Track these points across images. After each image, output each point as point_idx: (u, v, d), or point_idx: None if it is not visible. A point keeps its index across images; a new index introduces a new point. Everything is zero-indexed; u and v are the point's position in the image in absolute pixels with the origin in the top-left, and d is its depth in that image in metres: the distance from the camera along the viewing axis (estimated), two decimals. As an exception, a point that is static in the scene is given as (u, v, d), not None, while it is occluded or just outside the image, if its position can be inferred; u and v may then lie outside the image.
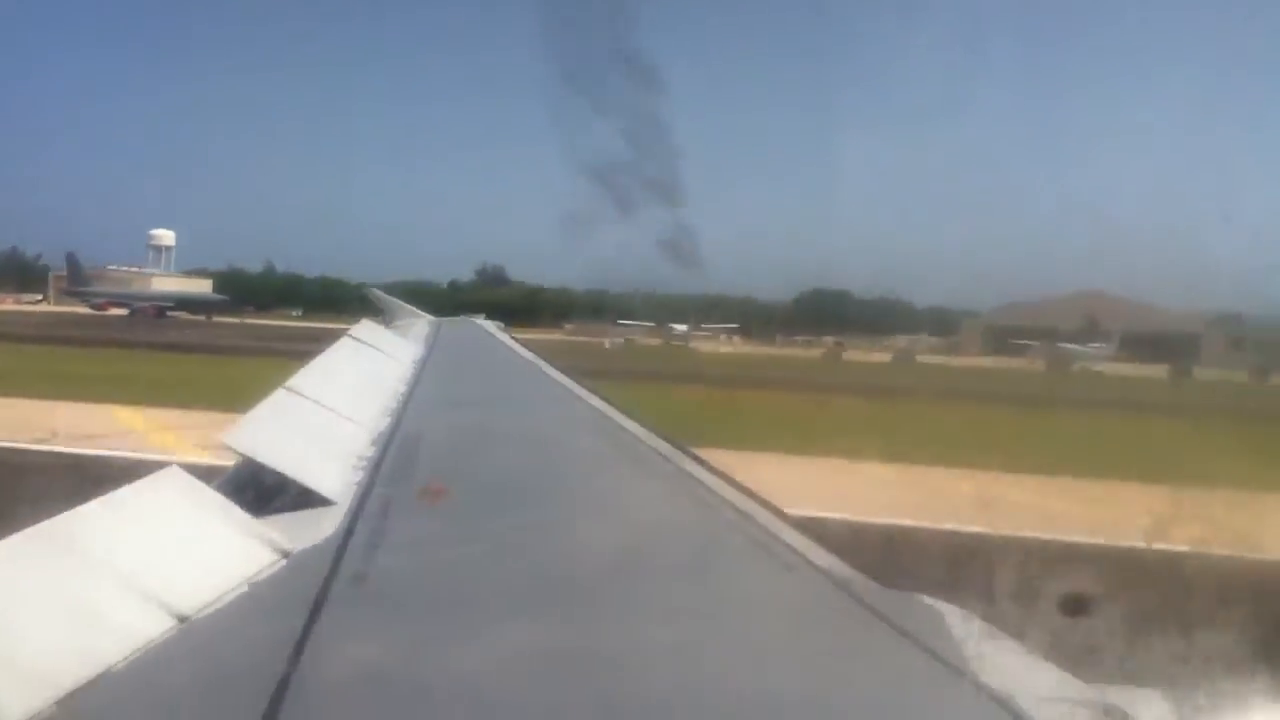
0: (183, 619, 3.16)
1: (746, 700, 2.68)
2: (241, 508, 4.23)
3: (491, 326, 27.77)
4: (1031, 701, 2.53)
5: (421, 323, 25.26)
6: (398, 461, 6.43)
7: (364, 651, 2.94)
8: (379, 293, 30.25)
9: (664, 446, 7.10)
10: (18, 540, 2.96)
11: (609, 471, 6.50)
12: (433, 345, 18.75)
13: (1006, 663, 2.82)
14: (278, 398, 6.67)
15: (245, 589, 3.56)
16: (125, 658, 2.81)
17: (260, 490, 5.21)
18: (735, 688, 2.76)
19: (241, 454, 5.11)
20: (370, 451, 6.78)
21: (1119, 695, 2.68)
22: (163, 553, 3.49)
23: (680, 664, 2.95)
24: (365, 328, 14.10)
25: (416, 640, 3.06)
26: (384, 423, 8.16)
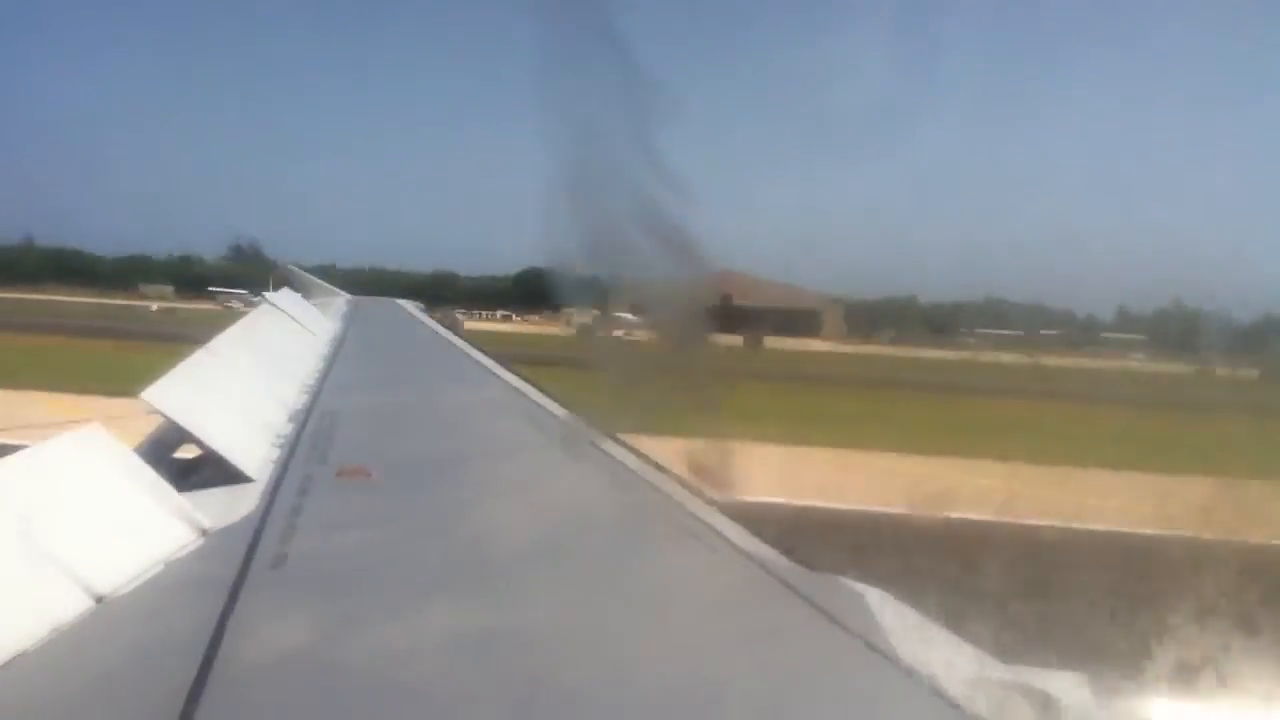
0: (100, 599, 3.01)
1: (667, 680, 2.70)
2: (161, 474, 4.08)
3: (410, 306, 27.36)
4: (952, 682, 2.59)
5: (339, 300, 24.70)
6: (316, 439, 6.28)
7: (283, 635, 2.88)
8: (295, 269, 29.37)
9: (583, 429, 7.13)
10: None
11: (527, 451, 6.48)
12: (349, 322, 18.35)
13: (927, 644, 2.89)
14: (198, 358, 6.41)
15: (162, 568, 3.42)
16: (41, 639, 2.67)
17: (179, 458, 5.01)
18: (656, 667, 2.78)
19: (162, 414, 4.90)
20: (288, 428, 6.60)
21: (1038, 677, 2.75)
22: (82, 519, 3.31)
23: (599, 645, 2.95)
24: (284, 296, 13.70)
25: (334, 623, 3.01)
26: (302, 399, 7.96)
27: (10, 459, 3.29)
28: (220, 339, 7.57)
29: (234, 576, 3.37)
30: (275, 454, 5.67)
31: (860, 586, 3.40)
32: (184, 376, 5.69)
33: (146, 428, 5.50)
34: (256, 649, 2.78)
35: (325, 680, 2.64)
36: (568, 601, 3.40)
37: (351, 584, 3.52)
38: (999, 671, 2.77)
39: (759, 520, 4.48)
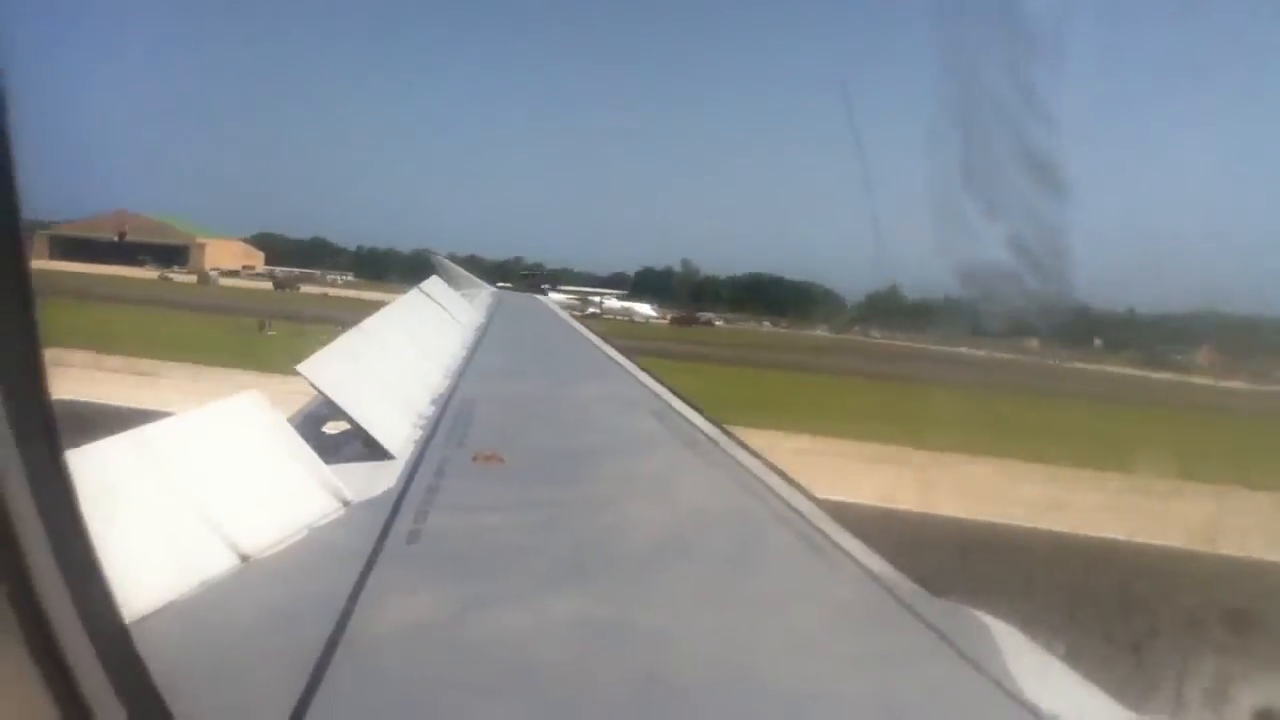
0: (246, 558, 3.15)
1: (776, 692, 2.65)
2: (311, 443, 4.25)
3: (551, 301, 28.00)
4: None
5: (484, 291, 25.50)
6: (455, 423, 6.46)
7: (413, 607, 2.95)
8: (444, 259, 30.47)
9: (715, 431, 7.16)
10: (102, 447, 2.95)
11: (660, 451, 6.47)
12: (493, 313, 18.89)
13: (1055, 684, 2.74)
14: (351, 338, 6.68)
15: (305, 534, 3.55)
16: (190, 592, 2.81)
17: (328, 431, 5.23)
18: (766, 679, 2.72)
19: (315, 386, 5.12)
20: (430, 410, 6.81)
21: None
22: (235, 482, 3.47)
23: (714, 650, 2.91)
24: (435, 284, 14.19)
25: (462, 600, 3.06)
26: (445, 384, 8.20)
27: (173, 420, 3.49)
28: (372, 321, 7.89)
29: (371, 548, 3.48)
30: (417, 435, 5.85)
31: (986, 618, 3.21)
32: (338, 354, 5.93)
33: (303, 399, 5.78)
34: (387, 619, 2.85)
35: (449, 654, 2.68)
36: (689, 603, 3.36)
37: (481, 565, 3.57)
38: (1116, 712, 2.58)
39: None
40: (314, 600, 2.92)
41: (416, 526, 3.90)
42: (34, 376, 1.36)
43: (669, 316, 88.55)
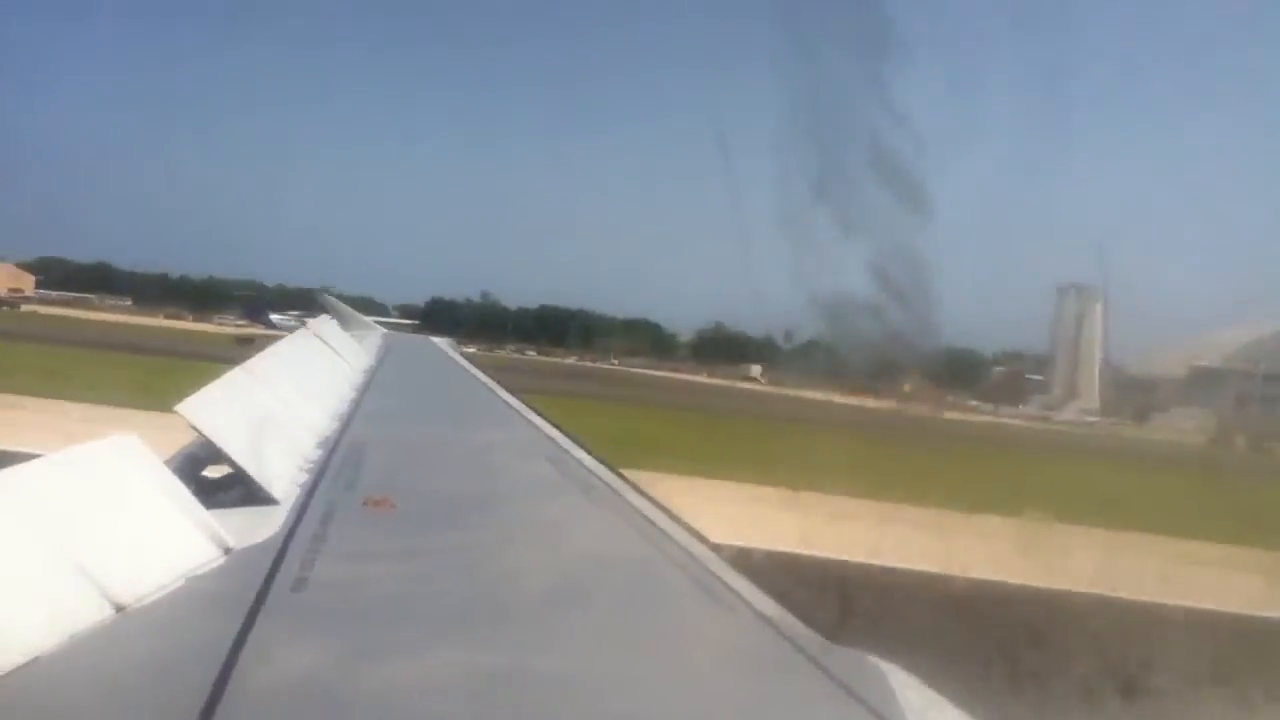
0: (120, 608, 2.98)
1: None
2: (189, 488, 4.08)
3: (444, 344, 27.61)
4: None
5: (374, 333, 24.97)
6: (344, 468, 6.28)
7: (298, 658, 2.85)
8: (333, 299, 29.80)
9: (606, 474, 7.14)
10: None
11: (551, 495, 6.42)
12: (384, 354, 18.50)
13: None
14: (234, 377, 6.45)
15: (184, 583, 3.39)
16: (60, 643, 2.65)
17: (208, 474, 5.01)
18: None
19: (195, 427, 4.91)
20: (317, 454, 6.60)
21: None
22: (109, 527, 3.30)
23: (605, 698, 2.88)
24: (324, 324, 13.85)
25: (349, 651, 2.97)
26: (333, 426, 7.98)
27: (42, 462, 3.30)
28: (257, 360, 7.63)
29: (254, 596, 3.35)
30: (303, 479, 5.66)
31: (882, 663, 3.29)
32: (220, 393, 5.72)
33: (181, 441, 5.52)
34: (271, 670, 2.74)
35: (335, 708, 2.60)
36: (578, 650, 3.34)
37: (369, 613, 3.47)
38: None
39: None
40: (194, 650, 2.79)
41: (302, 574, 3.78)
42: None
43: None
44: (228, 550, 3.79)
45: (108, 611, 2.93)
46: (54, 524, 3.02)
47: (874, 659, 3.32)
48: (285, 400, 7.45)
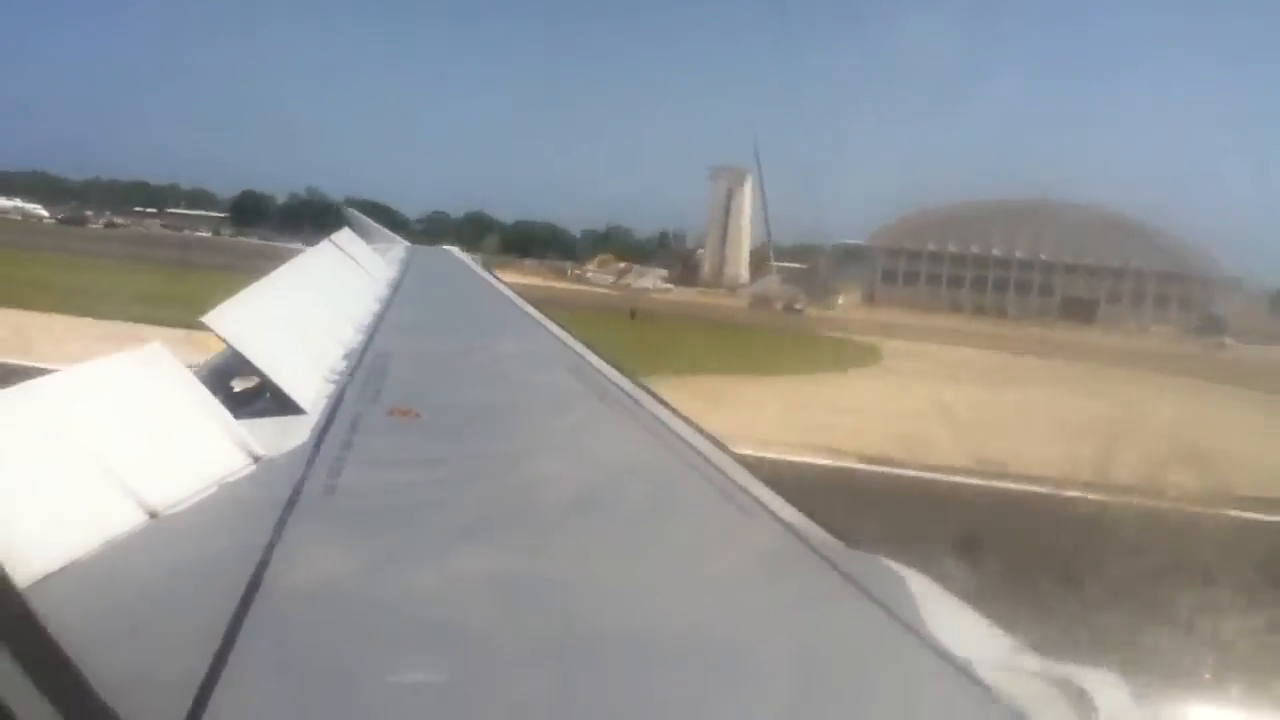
0: (153, 514, 3.05)
1: (689, 644, 2.67)
2: (219, 397, 4.12)
3: (464, 256, 27.54)
4: (989, 669, 2.54)
5: (397, 245, 24.91)
6: (369, 377, 6.34)
7: (327, 562, 2.92)
8: (356, 213, 29.62)
9: (627, 384, 7.17)
10: None
11: (574, 405, 6.49)
12: (406, 267, 18.49)
13: (966, 630, 2.83)
14: (259, 288, 6.47)
15: (215, 490, 3.46)
16: (94, 550, 2.71)
17: (237, 382, 5.07)
18: (679, 631, 2.75)
19: (222, 337, 4.95)
20: (343, 364, 6.66)
21: (1075, 672, 2.73)
22: (140, 436, 3.34)
23: (631, 604, 2.94)
24: (346, 237, 13.80)
25: (377, 555, 3.04)
26: (357, 338, 8.03)
27: (73, 371, 3.33)
28: (281, 272, 7.63)
29: (283, 503, 3.41)
30: (329, 389, 5.72)
31: (902, 568, 3.32)
32: (245, 303, 5.74)
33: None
34: (303, 573, 2.81)
35: (366, 608, 2.67)
36: (600, 554, 3.41)
37: (396, 518, 3.54)
38: (1038, 663, 2.71)
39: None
40: (227, 555, 2.86)
41: (331, 481, 3.84)
42: None
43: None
44: (257, 458, 3.85)
45: (141, 518, 2.99)
46: (86, 433, 3.07)
47: (891, 563, 3.36)
48: (310, 311, 7.48)
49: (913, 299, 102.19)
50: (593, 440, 5.49)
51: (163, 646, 2.26)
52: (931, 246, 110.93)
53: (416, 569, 2.97)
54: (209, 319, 4.87)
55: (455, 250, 28.24)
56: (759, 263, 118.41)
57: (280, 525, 3.15)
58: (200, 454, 3.59)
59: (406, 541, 3.24)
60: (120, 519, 2.91)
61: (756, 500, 4.17)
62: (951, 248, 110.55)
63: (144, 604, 2.50)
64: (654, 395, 6.78)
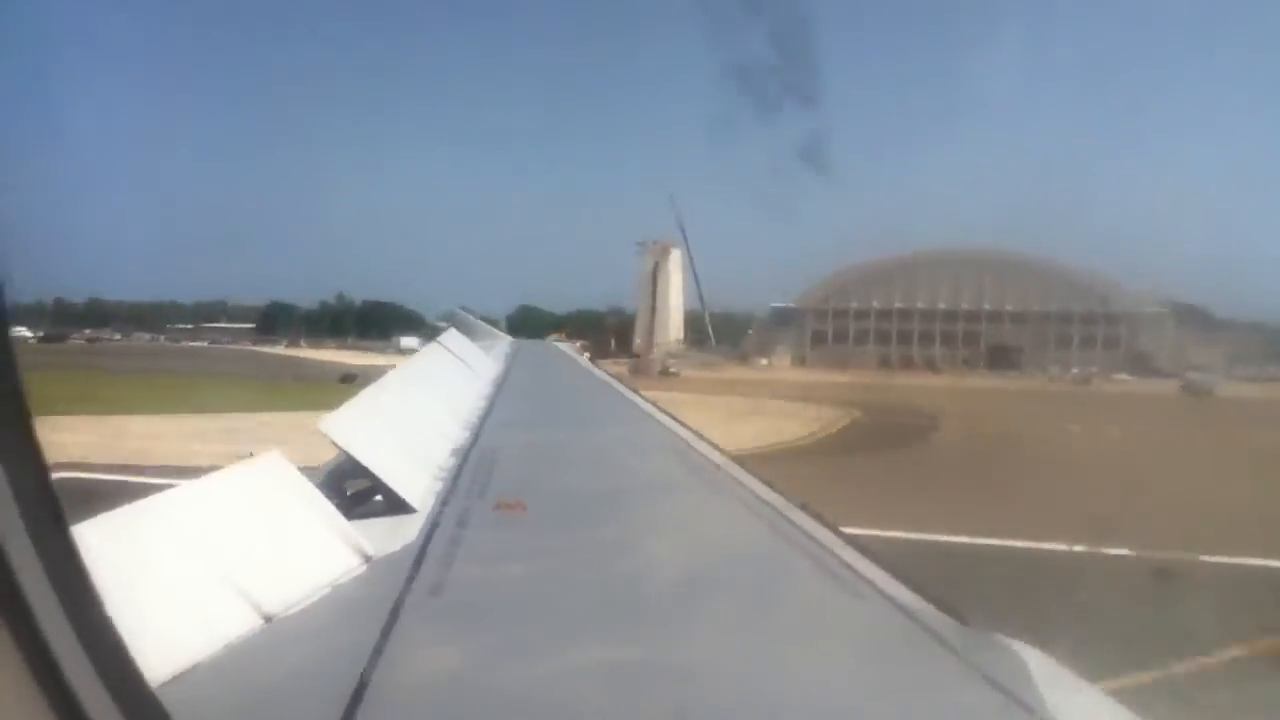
0: (269, 618, 3.16)
1: None
2: (334, 501, 4.27)
3: (567, 348, 28.18)
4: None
5: (502, 342, 25.69)
6: (476, 474, 6.46)
7: (437, 660, 2.94)
8: (463, 313, 30.77)
9: (735, 470, 7.10)
10: (124, 513, 2.99)
11: (677, 492, 6.44)
12: (511, 362, 18.99)
13: (1090, 713, 2.69)
14: (370, 394, 6.73)
15: (329, 591, 3.55)
16: (213, 654, 2.82)
17: (349, 486, 5.25)
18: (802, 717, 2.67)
19: (335, 443, 5.15)
20: (450, 462, 6.82)
21: None
22: (256, 543, 3.49)
23: (743, 691, 2.86)
24: (453, 337, 14.31)
25: (487, 651, 3.05)
26: (464, 435, 8.23)
27: (197, 482, 3.52)
28: (392, 375, 7.94)
29: (394, 602, 3.47)
30: (438, 487, 5.85)
31: (1018, 645, 3.14)
32: (358, 409, 5.97)
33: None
34: (412, 672, 2.84)
35: (475, 706, 2.67)
36: (715, 642, 3.32)
37: (506, 614, 3.55)
38: None
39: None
40: (337, 656, 2.92)
41: (439, 578, 3.90)
42: (29, 448, 1.38)
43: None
44: (368, 558, 3.95)
45: (257, 622, 3.10)
46: (206, 542, 3.22)
47: (1009, 641, 3.19)
48: (419, 412, 7.73)
49: (842, 357, 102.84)
50: (699, 527, 5.43)
51: None
52: (856, 304, 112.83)
53: (523, 666, 2.96)
54: (324, 425, 5.09)
55: (559, 343, 28.91)
56: (697, 332, 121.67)
57: (389, 625, 3.20)
58: (313, 557, 3.71)
59: (513, 638, 3.24)
60: (238, 623, 3.02)
61: (870, 583, 4.02)
62: (875, 303, 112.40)
63: (259, 707, 2.57)
64: (760, 478, 6.68)
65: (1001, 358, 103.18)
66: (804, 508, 5.61)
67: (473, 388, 11.95)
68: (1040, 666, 2.94)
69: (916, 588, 3.79)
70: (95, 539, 2.50)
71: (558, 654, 3.06)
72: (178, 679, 2.59)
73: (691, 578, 4.09)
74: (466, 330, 18.66)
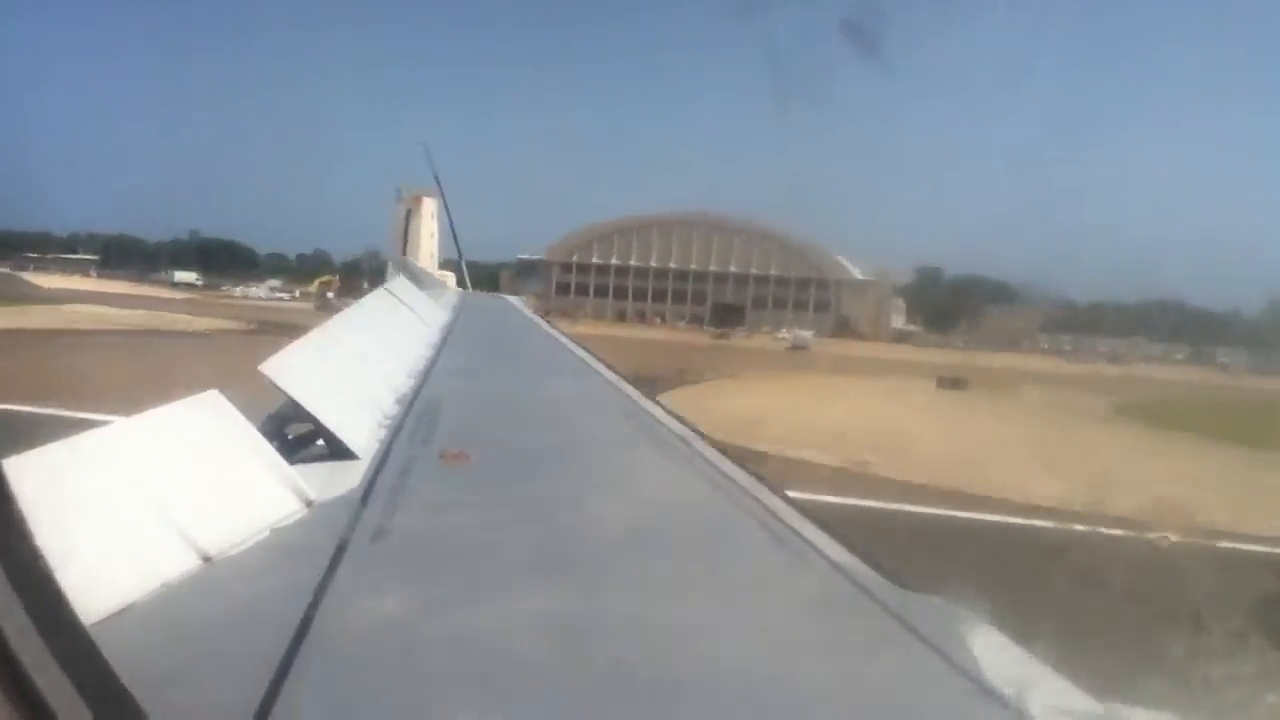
0: (208, 559, 3.12)
1: (741, 686, 2.64)
2: (274, 444, 4.20)
3: (516, 300, 28.02)
4: (1045, 713, 2.49)
5: (450, 291, 25.42)
6: (420, 422, 6.41)
7: (379, 605, 2.95)
8: (408, 260, 30.40)
9: (676, 426, 7.17)
10: (57, 450, 2.91)
11: (623, 448, 6.49)
12: (459, 312, 18.79)
13: (1020, 672, 2.76)
14: (314, 337, 6.61)
15: (268, 534, 3.52)
16: (150, 593, 2.78)
17: (290, 430, 5.17)
18: (743, 675, 2.72)
19: (277, 386, 5.06)
20: (395, 410, 6.75)
21: (1130, 714, 2.62)
22: (195, 483, 3.43)
23: (683, 645, 2.91)
24: (400, 284, 14.10)
25: (427, 598, 3.06)
26: (410, 383, 8.14)
27: (132, 420, 3.43)
28: (336, 320, 7.80)
29: (336, 546, 3.45)
30: (381, 434, 5.80)
31: (957, 608, 3.23)
32: (301, 353, 5.86)
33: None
34: (352, 616, 2.84)
35: (414, 652, 2.67)
36: (651, 594, 3.38)
37: (448, 561, 3.56)
38: (1093, 707, 2.62)
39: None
40: (279, 597, 2.90)
41: (382, 524, 3.88)
42: None
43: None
44: (310, 503, 3.90)
45: (196, 562, 3.06)
46: (143, 481, 3.16)
47: (947, 603, 3.28)
48: (363, 358, 7.62)
49: (580, 308, 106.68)
50: (633, 478, 5.48)
51: (214, 687, 2.30)
52: (597, 259, 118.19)
53: (463, 614, 2.97)
54: (265, 367, 4.99)
55: (508, 297, 28.72)
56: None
57: (331, 570, 3.19)
58: (254, 499, 3.66)
59: (454, 586, 3.25)
60: (176, 563, 2.98)
61: (810, 544, 4.09)
62: (615, 260, 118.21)
63: (197, 646, 2.55)
64: (708, 439, 6.73)
65: (725, 315, 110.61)
66: (750, 470, 5.68)
67: (420, 335, 11.82)
68: (979, 630, 3.02)
69: (858, 551, 3.87)
70: (26, 474, 2.43)
71: (498, 602, 3.08)
72: (114, 617, 2.55)
73: (633, 538, 4.13)
74: (413, 277, 18.40)
